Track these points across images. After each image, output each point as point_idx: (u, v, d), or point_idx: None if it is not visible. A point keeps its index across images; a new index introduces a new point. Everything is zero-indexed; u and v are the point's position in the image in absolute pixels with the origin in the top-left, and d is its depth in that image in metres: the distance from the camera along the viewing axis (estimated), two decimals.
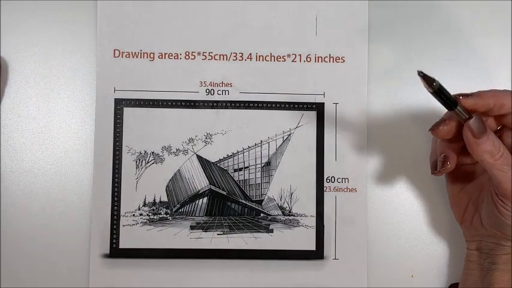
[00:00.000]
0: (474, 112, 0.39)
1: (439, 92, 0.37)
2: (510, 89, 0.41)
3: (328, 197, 0.47)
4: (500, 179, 0.38)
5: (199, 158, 0.48)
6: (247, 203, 0.48)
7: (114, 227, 0.47)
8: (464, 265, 0.44)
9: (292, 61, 0.48)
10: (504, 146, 0.39)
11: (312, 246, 0.47)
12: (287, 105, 0.48)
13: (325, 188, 0.47)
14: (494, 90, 0.40)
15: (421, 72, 0.36)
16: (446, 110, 0.39)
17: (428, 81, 0.37)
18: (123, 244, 0.47)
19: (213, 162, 0.48)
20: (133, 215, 0.47)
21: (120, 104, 0.47)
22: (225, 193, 0.48)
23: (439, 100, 0.38)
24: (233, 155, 0.48)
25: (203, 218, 0.48)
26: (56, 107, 0.48)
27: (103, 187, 0.47)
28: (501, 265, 0.41)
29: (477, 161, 0.40)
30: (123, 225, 0.47)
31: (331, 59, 0.48)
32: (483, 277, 0.41)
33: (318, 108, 0.48)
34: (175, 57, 0.48)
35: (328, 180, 0.48)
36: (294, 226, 0.47)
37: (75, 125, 0.48)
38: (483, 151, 0.38)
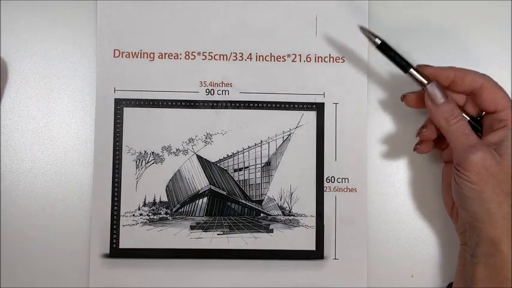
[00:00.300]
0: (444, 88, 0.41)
1: (383, 46, 0.41)
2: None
3: (328, 197, 0.47)
4: (453, 145, 0.39)
5: (199, 158, 0.48)
6: (247, 203, 0.48)
7: (114, 227, 0.47)
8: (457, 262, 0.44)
9: (292, 61, 0.48)
10: (469, 114, 0.41)
11: (312, 246, 0.47)
12: (287, 105, 0.48)
13: (325, 188, 0.47)
14: (454, 66, 0.42)
15: (363, 27, 0.41)
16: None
17: (372, 35, 0.41)
18: (123, 244, 0.47)
19: (213, 162, 0.48)
20: (133, 215, 0.47)
21: (120, 104, 0.47)
22: (225, 193, 0.48)
23: (390, 59, 0.41)
24: (233, 155, 0.48)
25: (203, 218, 0.48)
26: (56, 107, 0.48)
27: (103, 187, 0.47)
28: (482, 258, 0.39)
29: None
30: (123, 225, 0.47)
31: (331, 59, 0.48)
32: (467, 273, 0.40)
33: (318, 108, 0.48)
34: (175, 57, 0.48)
35: (328, 180, 0.48)
36: (294, 226, 0.47)
37: (75, 125, 0.48)
38: (441, 116, 0.40)
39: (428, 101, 0.40)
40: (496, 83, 0.41)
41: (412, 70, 0.41)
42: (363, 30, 0.41)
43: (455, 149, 0.39)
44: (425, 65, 0.42)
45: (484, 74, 0.41)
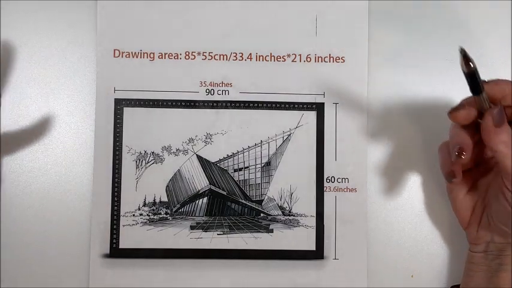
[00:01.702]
0: (492, 102, 0.39)
1: (472, 74, 0.37)
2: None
3: (328, 197, 0.47)
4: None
5: (199, 158, 0.48)
6: (247, 203, 0.48)
7: (114, 227, 0.47)
8: (466, 267, 0.44)
9: (292, 61, 0.48)
10: None
11: (312, 246, 0.47)
12: (287, 105, 0.48)
13: (325, 188, 0.47)
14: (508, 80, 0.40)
15: (463, 49, 0.37)
16: (465, 97, 0.39)
17: (467, 60, 0.37)
18: (123, 244, 0.47)
19: (213, 162, 0.48)
20: (133, 215, 0.47)
21: (120, 104, 0.47)
22: (225, 193, 0.48)
23: (468, 82, 0.38)
24: (233, 155, 0.48)
25: (203, 218, 0.48)
26: (56, 107, 0.48)
27: (103, 187, 0.47)
28: (508, 266, 0.41)
29: (480, 163, 0.41)
30: (123, 225, 0.47)
31: (331, 59, 0.48)
32: (489, 278, 0.41)
33: (318, 108, 0.48)
34: (175, 57, 0.48)
35: (328, 180, 0.48)
36: (294, 226, 0.47)
37: (75, 125, 0.48)
38: (500, 141, 0.38)
39: (489, 123, 0.38)
40: None
41: (483, 94, 0.38)
42: (463, 53, 0.37)
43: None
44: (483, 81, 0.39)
45: None
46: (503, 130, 0.38)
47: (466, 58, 0.37)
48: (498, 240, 0.42)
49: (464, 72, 0.38)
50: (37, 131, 0.48)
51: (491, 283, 0.41)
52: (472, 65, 0.37)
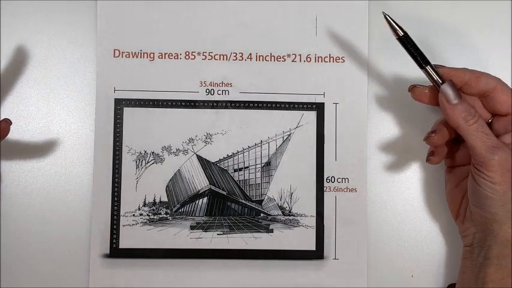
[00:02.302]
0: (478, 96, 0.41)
1: (405, 40, 0.40)
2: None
3: (328, 197, 0.47)
4: (474, 144, 0.39)
5: (199, 158, 0.48)
6: (247, 203, 0.48)
7: (114, 227, 0.47)
8: (460, 264, 0.44)
9: (292, 61, 0.48)
10: (481, 116, 0.40)
11: (312, 246, 0.47)
12: (287, 105, 0.48)
13: (325, 188, 0.47)
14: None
15: (387, 15, 0.40)
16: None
17: (394, 26, 0.40)
18: (123, 244, 0.47)
19: (213, 162, 0.48)
20: (134, 215, 0.47)
21: (120, 104, 0.47)
22: (225, 193, 0.48)
23: (408, 52, 0.40)
24: (233, 155, 0.48)
25: (203, 218, 0.48)
26: (56, 107, 0.48)
27: (103, 187, 0.47)
28: (494, 259, 0.40)
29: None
30: (123, 225, 0.47)
31: (331, 59, 0.48)
32: (477, 274, 0.41)
33: (318, 108, 0.48)
34: (175, 57, 0.48)
35: (328, 180, 0.48)
36: (294, 226, 0.47)
37: (75, 125, 0.48)
38: (457, 116, 0.39)
39: (443, 100, 0.40)
40: (508, 86, 0.41)
41: (429, 67, 0.40)
42: (387, 18, 0.40)
43: (476, 149, 0.39)
44: (439, 65, 0.41)
45: (497, 77, 0.41)
46: (458, 105, 0.39)
47: (393, 23, 0.40)
48: (480, 228, 0.41)
49: (397, 38, 0.40)
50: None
51: (479, 279, 0.40)
52: (402, 30, 0.40)
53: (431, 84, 0.41)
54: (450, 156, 0.45)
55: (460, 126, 0.39)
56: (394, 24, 0.40)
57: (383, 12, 0.40)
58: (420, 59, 0.40)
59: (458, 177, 0.44)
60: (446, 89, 0.40)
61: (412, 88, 0.42)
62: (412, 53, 0.41)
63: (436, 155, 0.43)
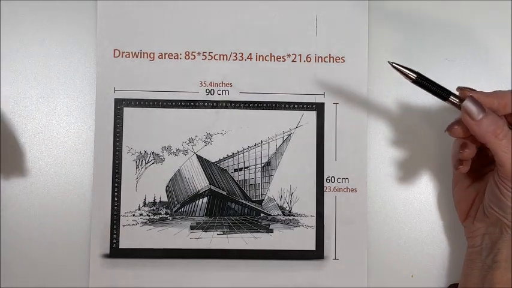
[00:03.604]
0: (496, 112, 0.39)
1: (418, 81, 0.39)
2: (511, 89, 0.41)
3: (328, 197, 0.47)
4: (504, 160, 0.38)
5: (199, 158, 0.48)
6: (247, 203, 0.48)
7: (114, 227, 0.47)
8: (464, 265, 0.44)
9: (292, 61, 0.48)
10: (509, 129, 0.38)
11: (312, 246, 0.47)
12: (287, 105, 0.48)
13: (325, 188, 0.47)
14: (498, 91, 0.40)
15: (393, 63, 0.38)
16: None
17: (404, 72, 0.39)
18: (123, 244, 0.47)
19: (213, 162, 0.48)
20: (134, 215, 0.47)
21: (120, 104, 0.47)
22: (225, 193, 0.48)
23: (427, 91, 0.39)
24: (233, 155, 0.48)
25: (203, 218, 0.48)
26: (56, 107, 0.48)
27: (103, 187, 0.47)
28: (502, 263, 0.40)
29: (487, 163, 0.41)
30: (123, 225, 0.47)
31: (331, 59, 0.48)
32: (484, 276, 0.41)
33: (318, 108, 0.48)
34: (175, 57, 0.48)
35: (328, 180, 0.48)
36: (294, 226, 0.47)
37: (75, 125, 0.48)
38: (485, 131, 0.38)
39: (466, 119, 0.38)
40: None
41: (452, 97, 0.39)
42: (395, 67, 0.39)
43: (505, 165, 0.38)
44: (463, 88, 0.40)
45: None
46: (484, 119, 0.38)
47: (403, 68, 0.38)
48: (492, 230, 0.41)
49: (412, 81, 0.39)
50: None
51: (486, 282, 0.41)
52: (413, 75, 0.38)
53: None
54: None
55: (490, 142, 0.38)
56: (404, 69, 0.39)
57: (389, 62, 0.39)
58: (440, 92, 0.39)
59: (472, 178, 0.44)
60: (468, 105, 0.38)
61: (448, 130, 0.41)
62: (430, 90, 0.39)
63: (464, 163, 0.42)
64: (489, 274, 0.41)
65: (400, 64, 0.39)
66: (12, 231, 0.47)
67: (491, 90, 0.40)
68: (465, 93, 0.39)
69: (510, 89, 0.41)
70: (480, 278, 0.41)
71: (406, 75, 0.39)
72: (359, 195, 0.48)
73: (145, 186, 0.47)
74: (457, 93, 0.40)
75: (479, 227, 0.42)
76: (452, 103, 0.39)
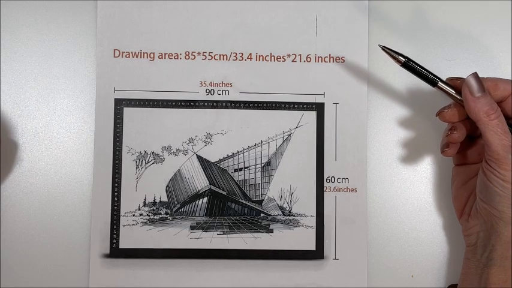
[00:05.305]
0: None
1: (409, 64, 0.40)
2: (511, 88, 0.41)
3: (328, 197, 0.47)
4: (492, 140, 0.38)
5: (199, 158, 0.48)
6: (247, 203, 0.48)
7: (114, 227, 0.47)
8: (462, 265, 0.44)
9: (292, 61, 0.48)
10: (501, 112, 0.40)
11: (312, 246, 0.47)
12: (287, 105, 0.48)
13: (325, 188, 0.47)
14: (500, 78, 0.41)
15: (383, 47, 0.40)
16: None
17: (393, 55, 0.40)
18: (123, 244, 0.47)
19: (213, 162, 0.48)
20: (134, 215, 0.47)
21: (120, 104, 0.47)
22: (225, 193, 0.48)
23: (416, 75, 0.41)
24: (233, 155, 0.48)
25: (203, 218, 0.48)
26: (56, 107, 0.48)
27: (103, 187, 0.47)
28: (497, 260, 0.40)
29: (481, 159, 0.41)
30: (123, 225, 0.47)
31: (331, 59, 0.48)
32: (480, 275, 0.41)
33: (318, 108, 0.48)
34: (175, 57, 0.48)
35: (328, 180, 0.48)
36: (294, 226, 0.47)
37: (75, 125, 0.48)
38: (479, 109, 0.39)
39: (466, 92, 0.39)
40: None
41: (440, 83, 0.41)
42: (385, 49, 0.41)
43: (493, 145, 0.38)
44: (454, 78, 0.41)
45: None
46: (481, 98, 0.39)
47: (392, 52, 0.40)
48: (485, 227, 0.41)
49: (401, 65, 0.40)
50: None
51: (482, 280, 0.41)
52: (403, 57, 0.40)
53: (451, 99, 0.41)
54: (461, 153, 0.45)
55: (481, 120, 0.39)
56: (393, 53, 0.41)
57: (379, 45, 0.41)
58: (429, 78, 0.41)
59: (467, 175, 0.44)
60: (471, 80, 0.39)
61: (439, 114, 0.42)
62: (419, 74, 0.41)
63: (451, 147, 0.42)
64: (484, 273, 0.41)
65: (390, 48, 0.41)
66: (12, 231, 0.47)
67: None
68: (455, 82, 0.41)
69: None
70: (477, 277, 0.41)
71: (396, 59, 0.41)
72: (359, 195, 0.48)
73: (145, 186, 0.47)
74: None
75: (474, 225, 0.42)
76: (441, 89, 0.41)
